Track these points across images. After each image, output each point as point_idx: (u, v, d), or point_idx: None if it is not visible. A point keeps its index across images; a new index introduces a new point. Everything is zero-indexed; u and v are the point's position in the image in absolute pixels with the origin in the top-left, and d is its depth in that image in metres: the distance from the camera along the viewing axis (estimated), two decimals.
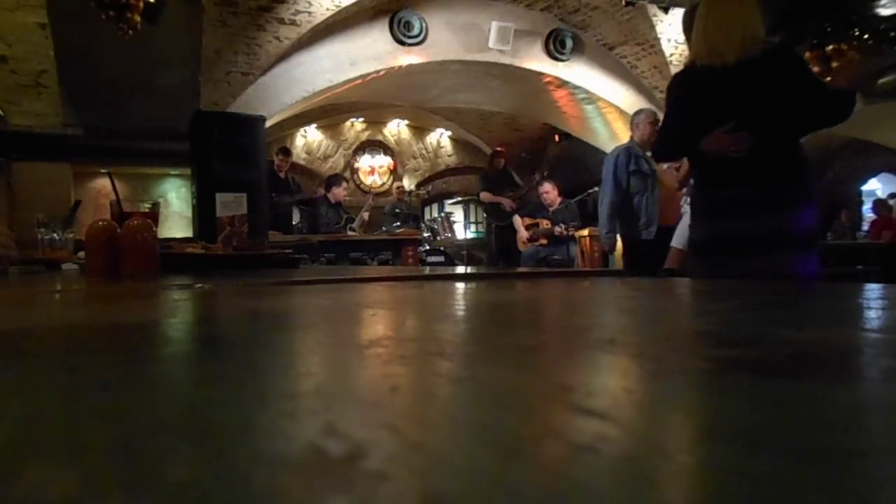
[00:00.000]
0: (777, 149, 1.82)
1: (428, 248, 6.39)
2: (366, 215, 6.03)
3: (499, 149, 7.07)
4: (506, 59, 6.66)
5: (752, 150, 1.81)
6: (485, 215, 7.12)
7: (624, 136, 7.34)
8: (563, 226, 5.41)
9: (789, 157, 1.83)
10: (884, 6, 4.95)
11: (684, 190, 3.59)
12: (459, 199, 9.10)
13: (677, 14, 5.80)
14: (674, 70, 5.77)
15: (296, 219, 6.47)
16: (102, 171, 5.58)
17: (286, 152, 5.76)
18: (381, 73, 6.34)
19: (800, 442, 0.15)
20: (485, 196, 6.47)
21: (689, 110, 1.97)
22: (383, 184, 9.34)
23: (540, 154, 9.44)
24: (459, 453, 0.15)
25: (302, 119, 7.98)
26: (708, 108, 1.91)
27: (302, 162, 8.88)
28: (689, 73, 1.99)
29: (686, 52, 3.42)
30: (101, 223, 1.19)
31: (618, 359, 0.28)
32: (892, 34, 5.23)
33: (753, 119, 1.83)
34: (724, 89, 1.86)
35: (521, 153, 9.13)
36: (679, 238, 3.41)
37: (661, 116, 2.80)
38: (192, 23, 5.06)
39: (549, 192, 5.58)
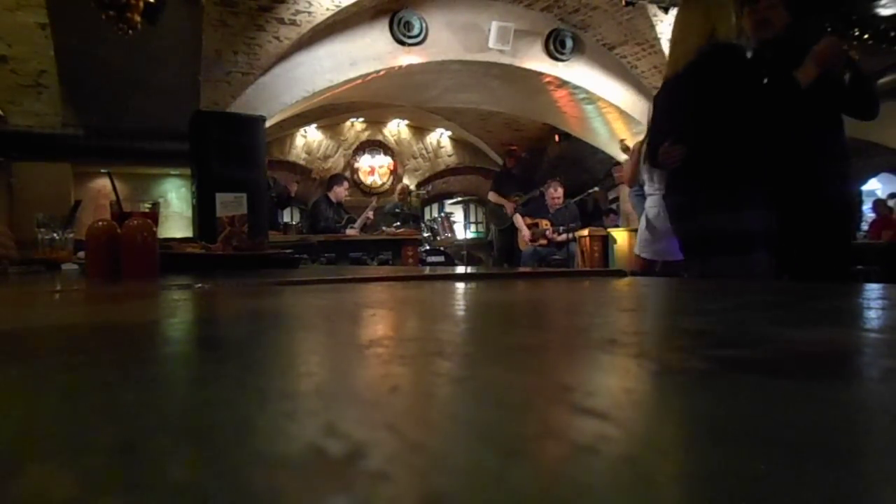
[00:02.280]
0: (724, 153, 1.85)
1: (428, 248, 6.39)
2: (371, 213, 6.02)
3: (512, 148, 7.08)
4: (506, 59, 6.65)
5: (703, 156, 1.86)
6: (487, 217, 7.12)
7: (624, 135, 7.36)
8: (562, 230, 5.42)
9: (739, 161, 1.85)
10: (884, 6, 4.95)
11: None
12: (459, 199, 9.09)
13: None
14: None
15: (296, 218, 6.47)
16: (102, 171, 5.58)
17: None
18: (381, 73, 6.34)
19: (800, 442, 0.15)
20: (491, 196, 6.48)
21: (656, 123, 2.10)
22: (383, 184, 9.34)
23: (540, 154, 9.44)
24: (459, 453, 0.14)
25: (302, 119, 7.97)
26: (669, 118, 2.00)
27: (302, 162, 8.88)
28: (663, 85, 2.10)
29: None
30: (101, 223, 1.19)
31: (618, 359, 0.28)
32: (893, 34, 5.22)
33: (699, 125, 1.88)
34: (675, 98, 1.95)
35: (521, 153, 9.13)
36: (638, 245, 3.45)
37: None
38: (192, 23, 5.06)
39: (560, 196, 5.60)
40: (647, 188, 3.35)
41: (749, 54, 2.02)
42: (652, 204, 3.30)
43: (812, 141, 1.86)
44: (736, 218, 1.81)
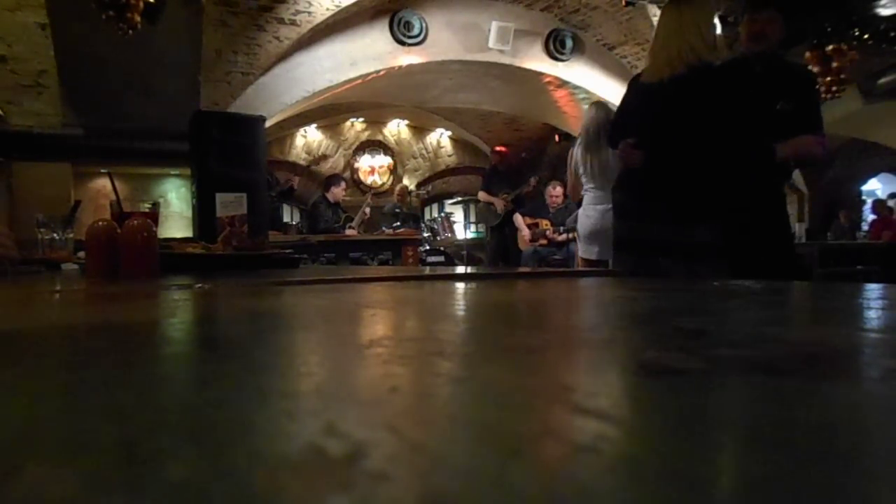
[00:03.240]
0: (681, 165, 1.90)
1: (428, 248, 6.39)
2: (367, 210, 6.01)
3: (496, 148, 7.08)
4: (506, 59, 6.65)
5: (658, 163, 1.93)
6: (479, 217, 7.13)
7: None
8: (564, 231, 5.41)
9: (693, 175, 1.89)
10: (884, 6, 4.94)
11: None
12: (459, 199, 9.10)
13: None
14: None
15: (295, 218, 6.48)
16: (102, 171, 5.58)
17: None
18: (381, 73, 6.34)
19: (800, 442, 0.15)
20: (481, 195, 6.50)
21: (626, 115, 2.15)
22: (383, 184, 9.34)
23: (540, 154, 9.44)
24: (459, 453, 0.15)
25: (302, 119, 7.97)
26: (634, 119, 2.06)
27: (302, 162, 8.88)
28: (635, 82, 2.13)
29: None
30: (101, 223, 1.19)
31: (618, 359, 0.28)
32: (892, 34, 5.22)
33: (666, 134, 1.92)
34: (651, 104, 1.98)
35: (521, 153, 9.13)
36: (581, 249, 3.50)
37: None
38: (192, 23, 5.06)
39: (559, 195, 5.59)
40: (587, 190, 3.39)
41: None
42: (586, 202, 3.37)
43: (757, 160, 1.93)
44: (677, 230, 1.88)
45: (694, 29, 1.88)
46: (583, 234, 3.41)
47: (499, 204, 6.27)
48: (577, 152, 3.40)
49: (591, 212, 3.32)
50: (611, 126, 2.32)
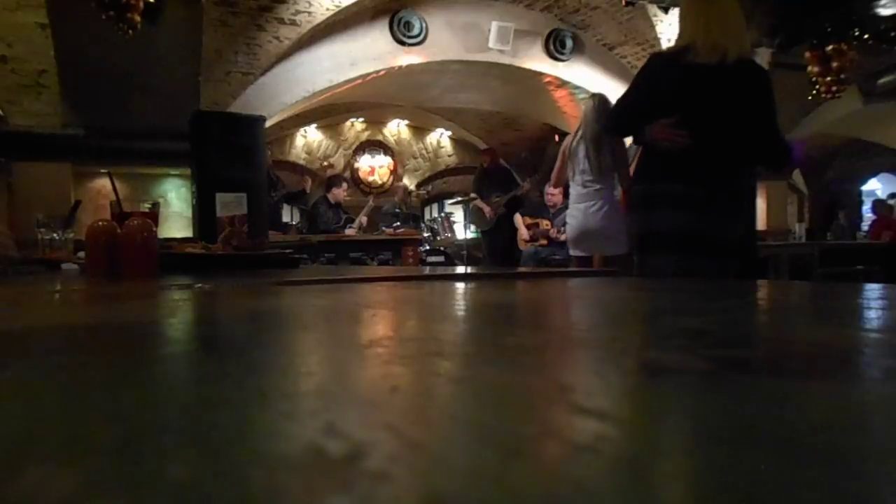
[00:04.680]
0: (720, 153, 1.84)
1: (428, 248, 6.39)
2: (364, 220, 6.00)
3: (489, 149, 7.08)
4: (506, 59, 6.65)
5: (695, 149, 1.83)
6: (467, 220, 7.06)
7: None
8: (563, 229, 5.40)
9: (730, 165, 1.85)
10: (884, 6, 4.94)
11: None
12: (459, 199, 9.10)
13: (677, 14, 5.79)
14: None
15: (295, 218, 6.48)
16: (102, 171, 5.58)
17: None
18: (381, 73, 6.34)
19: (800, 442, 0.15)
20: (474, 199, 6.52)
21: (654, 94, 1.94)
22: (383, 184, 9.34)
23: (540, 154, 9.44)
24: (459, 453, 0.15)
25: (302, 119, 7.97)
26: (674, 99, 1.89)
27: (302, 162, 8.88)
28: (671, 59, 1.95)
29: None
30: (101, 223, 1.19)
31: (617, 359, 0.28)
32: (893, 34, 5.23)
33: (711, 120, 1.85)
34: (699, 85, 1.86)
35: (521, 153, 9.13)
36: (570, 248, 3.48)
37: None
38: (192, 23, 5.06)
39: (555, 194, 5.58)
40: (572, 187, 3.33)
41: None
42: (576, 201, 3.31)
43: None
44: (719, 221, 1.83)
45: (743, 21, 1.88)
46: (570, 236, 3.37)
47: (488, 211, 6.26)
48: (572, 144, 3.34)
49: (574, 212, 3.27)
50: (625, 107, 2.06)
